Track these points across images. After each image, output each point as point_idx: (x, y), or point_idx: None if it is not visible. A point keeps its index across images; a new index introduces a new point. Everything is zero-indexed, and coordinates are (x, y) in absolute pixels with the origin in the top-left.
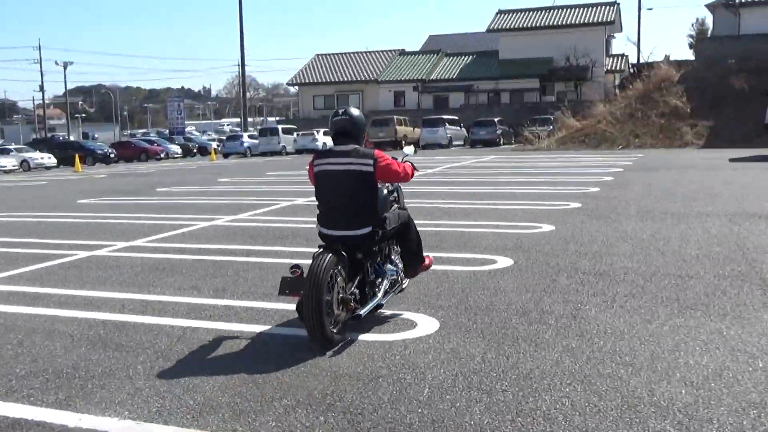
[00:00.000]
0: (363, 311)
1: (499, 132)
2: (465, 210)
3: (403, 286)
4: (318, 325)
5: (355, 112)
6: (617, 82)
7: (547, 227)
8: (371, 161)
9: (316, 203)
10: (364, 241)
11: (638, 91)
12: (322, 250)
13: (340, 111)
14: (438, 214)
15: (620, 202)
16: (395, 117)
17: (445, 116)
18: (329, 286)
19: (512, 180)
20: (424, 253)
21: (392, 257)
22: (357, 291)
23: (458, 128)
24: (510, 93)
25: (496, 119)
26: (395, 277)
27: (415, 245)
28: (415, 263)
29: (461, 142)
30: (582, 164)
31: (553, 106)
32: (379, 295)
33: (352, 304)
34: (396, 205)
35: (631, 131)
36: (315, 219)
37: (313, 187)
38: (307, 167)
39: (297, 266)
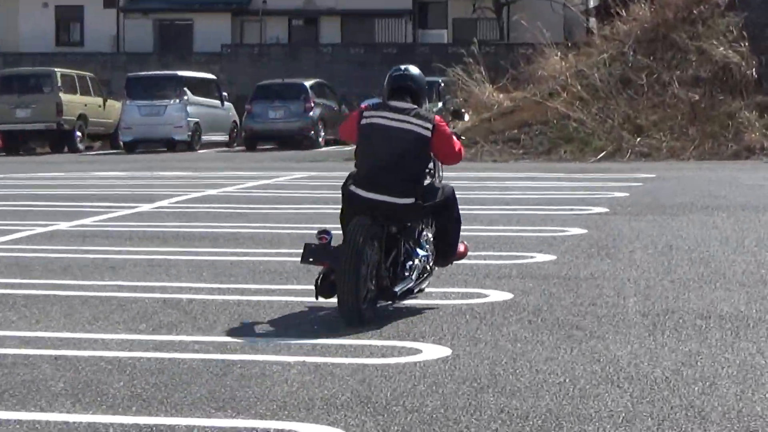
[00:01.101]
0: (398, 288)
1: (313, 115)
2: None
3: (425, 284)
4: (354, 296)
5: (416, 70)
6: (592, 3)
7: None
8: (430, 126)
9: (357, 159)
10: (405, 212)
11: (640, 25)
12: (360, 215)
13: (402, 67)
14: None
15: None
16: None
17: (183, 73)
18: (366, 258)
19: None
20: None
21: (422, 240)
22: (392, 269)
23: (216, 103)
24: (344, 20)
25: (307, 84)
26: (425, 264)
27: (454, 228)
28: (450, 249)
29: (223, 136)
30: (503, 206)
31: (444, 56)
32: (413, 276)
33: (386, 281)
34: (431, 180)
35: (624, 119)
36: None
37: (350, 141)
38: (347, 120)
39: (326, 231)
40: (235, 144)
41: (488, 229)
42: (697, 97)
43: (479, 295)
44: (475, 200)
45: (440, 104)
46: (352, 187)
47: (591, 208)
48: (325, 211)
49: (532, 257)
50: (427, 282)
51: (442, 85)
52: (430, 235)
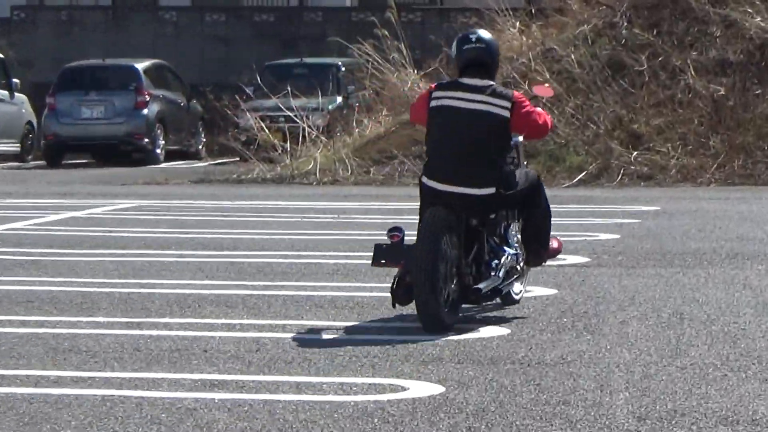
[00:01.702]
0: (483, 285)
1: (148, 114)
2: None
3: (518, 289)
4: (432, 296)
5: (489, 36)
6: None
7: None
8: (509, 104)
9: (427, 147)
10: (486, 204)
11: None
12: (435, 207)
13: (473, 37)
14: None
15: None
16: None
17: None
18: (444, 253)
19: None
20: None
21: (509, 235)
22: (474, 266)
23: (2, 94)
24: None
25: (140, 67)
26: (514, 263)
27: (543, 219)
28: (542, 245)
29: (12, 145)
30: None
31: (345, 27)
32: (500, 275)
33: (468, 278)
34: (512, 167)
35: (614, 124)
36: None
37: (421, 125)
38: (415, 101)
39: (398, 229)
40: (29, 156)
41: None
42: (721, 91)
43: (395, 389)
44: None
45: (338, 99)
46: (425, 179)
47: (564, 257)
48: (166, 258)
49: (474, 331)
50: (519, 285)
51: (343, 70)
52: (516, 231)
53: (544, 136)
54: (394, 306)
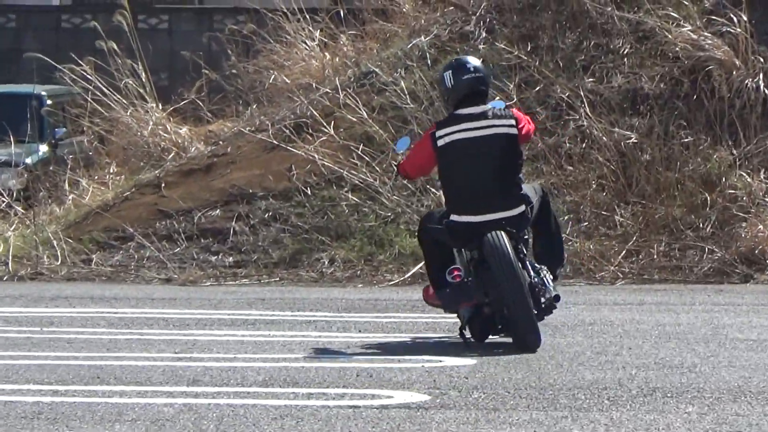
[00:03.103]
0: (551, 294)
1: None
2: None
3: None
4: (533, 318)
5: (479, 62)
6: None
7: None
8: (514, 122)
9: (447, 186)
10: (519, 223)
11: None
12: (491, 234)
13: (470, 66)
14: None
15: None
16: None
17: None
18: (523, 274)
19: None
20: None
21: (522, 254)
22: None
23: None
24: None
25: None
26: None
27: (557, 227)
28: (562, 253)
29: None
30: None
31: (48, 40)
32: (550, 286)
33: (541, 287)
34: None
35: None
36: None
37: (423, 175)
38: (415, 151)
39: (457, 267)
40: None
41: None
42: (633, 139)
43: None
44: None
45: (41, 149)
46: (455, 218)
47: (391, 393)
48: None
49: None
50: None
51: (48, 103)
52: (526, 249)
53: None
54: (465, 341)
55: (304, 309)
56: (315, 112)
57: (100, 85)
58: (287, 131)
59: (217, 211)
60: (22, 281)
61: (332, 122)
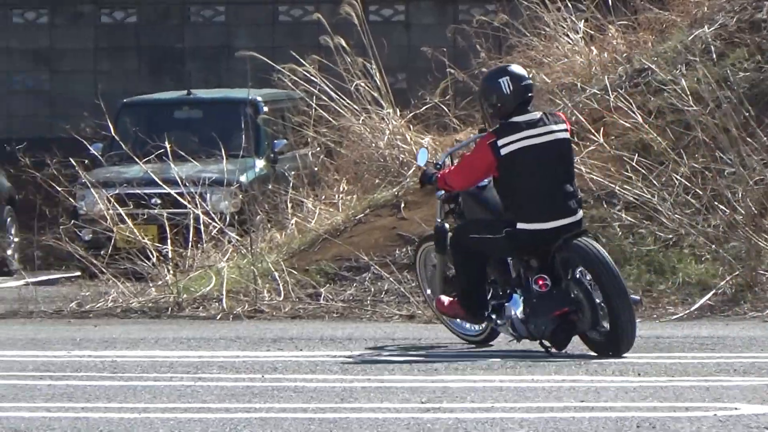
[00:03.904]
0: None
1: None
2: None
3: None
4: (634, 312)
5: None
6: None
7: None
8: (566, 126)
9: (512, 195)
10: (581, 228)
11: None
12: (577, 238)
13: (521, 72)
14: None
15: None
16: None
17: None
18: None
19: None
20: None
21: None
22: None
23: None
24: None
25: None
26: None
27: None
28: None
29: None
30: None
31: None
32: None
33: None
34: None
35: (762, 206)
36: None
37: (482, 178)
38: (474, 161)
39: (542, 277)
40: None
41: None
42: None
43: None
44: None
45: (258, 164)
46: (523, 226)
47: None
48: None
49: None
50: None
51: (265, 110)
52: None
53: None
54: (548, 351)
55: (573, 350)
56: (581, 117)
57: (326, 88)
58: None
59: None
60: (239, 320)
61: (601, 128)
